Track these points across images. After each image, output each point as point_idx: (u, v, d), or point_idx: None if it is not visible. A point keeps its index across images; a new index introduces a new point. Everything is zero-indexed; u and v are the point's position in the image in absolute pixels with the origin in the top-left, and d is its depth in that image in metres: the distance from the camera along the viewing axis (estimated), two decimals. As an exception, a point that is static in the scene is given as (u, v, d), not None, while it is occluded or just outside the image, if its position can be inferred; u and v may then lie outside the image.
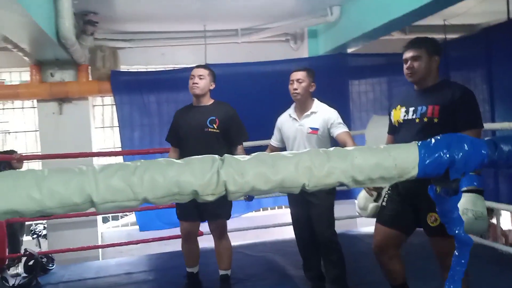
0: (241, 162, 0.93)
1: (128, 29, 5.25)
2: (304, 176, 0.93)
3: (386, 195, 2.45)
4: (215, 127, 2.96)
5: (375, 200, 2.62)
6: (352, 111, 5.52)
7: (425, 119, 2.19)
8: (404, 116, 2.30)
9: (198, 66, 3.09)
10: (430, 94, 2.24)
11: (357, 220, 5.51)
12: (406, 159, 0.96)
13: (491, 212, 4.65)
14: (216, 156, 0.97)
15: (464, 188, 2.00)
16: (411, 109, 2.27)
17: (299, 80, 2.99)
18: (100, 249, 5.20)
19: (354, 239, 4.47)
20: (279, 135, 3.23)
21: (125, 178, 0.86)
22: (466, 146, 0.95)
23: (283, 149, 3.27)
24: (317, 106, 3.06)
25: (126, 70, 5.25)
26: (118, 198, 0.86)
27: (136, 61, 5.51)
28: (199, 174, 0.90)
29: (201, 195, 0.91)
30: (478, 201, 1.99)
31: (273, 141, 3.30)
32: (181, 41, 5.45)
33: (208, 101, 3.08)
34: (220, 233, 3.12)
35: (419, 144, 0.99)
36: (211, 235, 3.18)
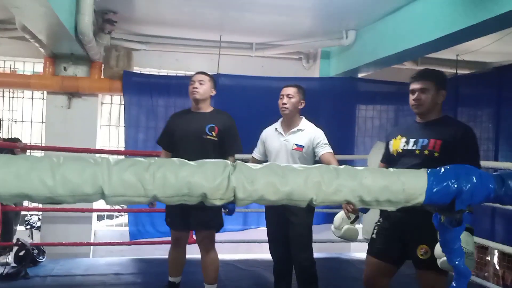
0: (252, 170, 0.94)
1: (145, 31, 5.30)
2: (312, 191, 0.94)
3: (376, 227, 2.43)
4: (214, 135, 2.92)
5: (351, 223, 2.62)
6: (356, 135, 5.55)
7: (426, 152, 2.19)
8: (404, 146, 2.30)
9: (198, 73, 3.07)
10: (432, 127, 2.24)
11: (351, 244, 5.47)
12: (415, 185, 0.97)
13: (485, 250, 4.62)
14: (229, 161, 0.97)
15: None
16: (412, 140, 2.27)
17: (289, 95, 3.03)
18: (91, 247, 5.17)
19: (345, 263, 4.44)
20: (262, 148, 3.21)
21: (137, 174, 0.87)
22: (474, 178, 0.96)
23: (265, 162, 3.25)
24: (304, 124, 3.08)
25: (139, 72, 5.28)
26: (128, 192, 0.87)
27: (149, 63, 5.54)
28: (211, 177, 0.90)
29: (209, 198, 0.91)
30: (469, 239, 1.96)
31: (256, 154, 3.27)
32: (196, 48, 5.49)
33: (207, 108, 3.05)
34: (207, 244, 3.03)
35: (428, 171, 1.00)
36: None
